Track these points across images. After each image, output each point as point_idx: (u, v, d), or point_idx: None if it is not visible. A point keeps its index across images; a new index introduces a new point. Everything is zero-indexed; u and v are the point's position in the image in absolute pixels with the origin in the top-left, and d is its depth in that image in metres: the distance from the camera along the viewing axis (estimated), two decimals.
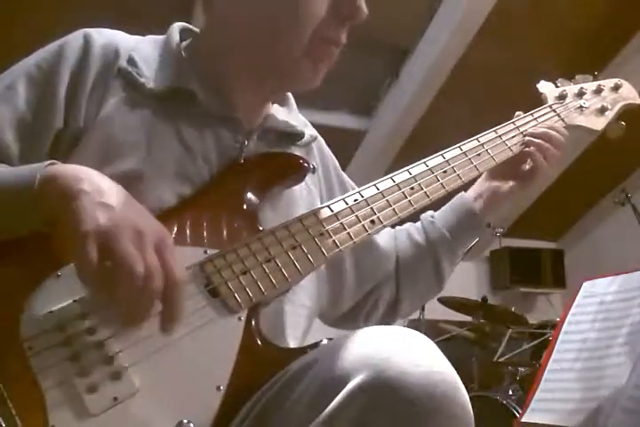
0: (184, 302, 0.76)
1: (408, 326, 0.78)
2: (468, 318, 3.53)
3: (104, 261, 0.71)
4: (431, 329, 3.42)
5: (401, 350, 0.71)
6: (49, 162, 0.80)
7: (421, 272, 1.19)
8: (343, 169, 1.20)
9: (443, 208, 1.21)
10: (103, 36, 0.96)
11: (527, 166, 1.17)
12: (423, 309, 3.41)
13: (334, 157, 1.18)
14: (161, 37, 1.02)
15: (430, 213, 1.21)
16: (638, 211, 3.25)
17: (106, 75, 0.93)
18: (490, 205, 1.18)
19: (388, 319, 1.22)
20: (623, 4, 3.52)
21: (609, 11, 3.57)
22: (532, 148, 1.14)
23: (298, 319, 1.00)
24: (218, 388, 0.80)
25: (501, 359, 3.25)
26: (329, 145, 1.18)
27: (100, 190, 0.76)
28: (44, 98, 0.90)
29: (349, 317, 1.19)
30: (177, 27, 1.03)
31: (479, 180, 1.20)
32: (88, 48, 0.94)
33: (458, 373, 0.73)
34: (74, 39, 0.95)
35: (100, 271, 0.71)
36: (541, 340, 3.20)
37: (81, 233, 0.71)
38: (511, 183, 1.18)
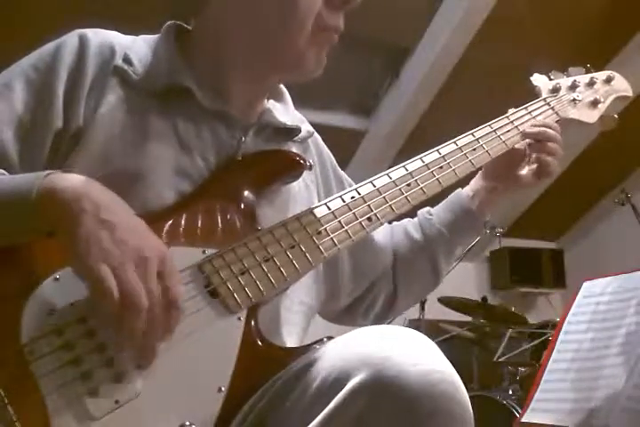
0: (178, 324, 0.77)
1: (408, 326, 0.78)
2: (468, 318, 3.52)
3: None
4: (431, 329, 3.41)
5: (400, 350, 0.71)
6: (47, 173, 0.79)
7: (418, 268, 1.19)
8: (343, 169, 1.20)
9: (439, 205, 1.20)
10: (98, 36, 0.97)
11: (523, 170, 1.17)
12: (423, 309, 3.40)
13: (331, 154, 1.18)
14: (155, 36, 1.02)
15: (427, 209, 1.20)
16: (638, 211, 3.25)
17: (103, 73, 0.94)
18: (486, 203, 1.18)
19: (385, 315, 1.22)
20: (624, 4, 3.52)
21: (609, 10, 3.57)
22: (537, 149, 1.14)
23: (295, 316, 1.00)
24: (219, 389, 0.80)
25: (501, 359, 3.25)
26: (329, 145, 1.18)
27: (99, 207, 0.76)
28: (42, 99, 0.90)
29: (348, 313, 1.19)
30: (171, 25, 1.03)
31: (476, 177, 1.19)
32: (84, 48, 0.94)
33: (458, 373, 0.73)
34: (69, 39, 0.95)
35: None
36: (541, 340, 3.19)
37: (92, 267, 0.72)
38: (511, 180, 1.17)
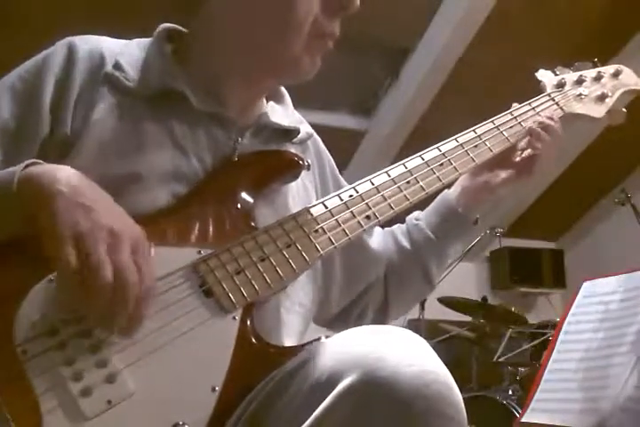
0: (151, 305, 0.77)
1: (408, 326, 0.78)
2: (468, 318, 3.52)
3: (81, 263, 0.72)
4: (431, 329, 3.41)
5: (393, 350, 0.71)
6: (29, 161, 0.80)
7: (409, 276, 1.18)
8: (343, 169, 1.19)
9: (428, 207, 1.18)
10: (88, 44, 0.96)
11: (517, 158, 1.15)
12: (423, 309, 3.40)
13: (330, 156, 1.17)
14: (148, 40, 1.02)
15: (416, 213, 1.19)
16: (638, 211, 3.24)
17: (92, 81, 0.93)
18: (476, 199, 1.15)
19: (378, 322, 1.19)
20: (624, 4, 3.52)
21: (609, 10, 3.57)
22: (530, 139, 1.12)
23: (294, 317, 0.99)
24: (213, 389, 0.80)
25: (501, 359, 3.25)
26: (328, 145, 1.17)
27: (76, 191, 0.76)
28: (29, 107, 0.90)
29: (340, 319, 1.18)
30: (163, 28, 1.03)
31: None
32: (72, 56, 0.94)
33: (458, 373, 0.73)
34: (58, 48, 0.95)
35: (81, 274, 0.71)
36: (541, 340, 3.19)
37: (58, 236, 0.72)
38: (503, 175, 1.15)
